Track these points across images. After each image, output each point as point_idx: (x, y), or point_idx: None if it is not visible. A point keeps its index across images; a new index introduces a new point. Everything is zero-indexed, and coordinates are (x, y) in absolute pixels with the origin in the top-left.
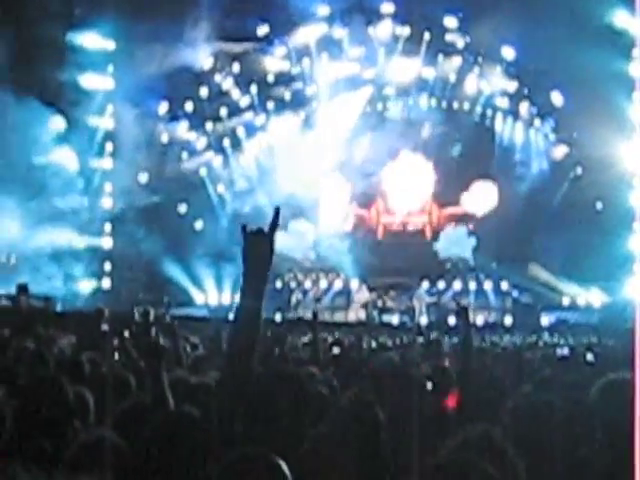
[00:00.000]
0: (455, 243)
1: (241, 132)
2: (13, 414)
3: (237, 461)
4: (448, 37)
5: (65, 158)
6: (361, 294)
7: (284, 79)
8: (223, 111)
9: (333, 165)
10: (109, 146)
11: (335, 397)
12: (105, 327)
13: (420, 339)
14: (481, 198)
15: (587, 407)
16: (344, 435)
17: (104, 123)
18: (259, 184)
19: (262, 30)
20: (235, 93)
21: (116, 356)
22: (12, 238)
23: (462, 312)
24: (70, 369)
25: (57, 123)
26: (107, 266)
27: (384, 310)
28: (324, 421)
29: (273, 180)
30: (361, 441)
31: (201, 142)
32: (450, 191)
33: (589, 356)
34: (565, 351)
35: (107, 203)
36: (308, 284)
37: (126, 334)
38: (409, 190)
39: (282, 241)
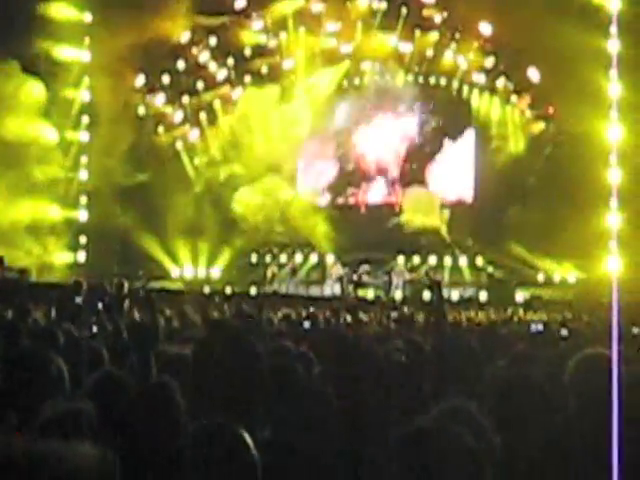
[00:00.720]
0: (423, 211)
1: (217, 105)
2: None
3: (200, 432)
4: (425, 12)
5: (43, 129)
6: (336, 269)
7: (261, 52)
8: (200, 84)
9: (309, 135)
10: (85, 118)
11: (309, 372)
12: (79, 300)
13: (394, 314)
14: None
15: (562, 381)
16: (314, 410)
17: (80, 95)
18: (235, 154)
19: (239, 3)
20: (212, 66)
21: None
22: None
23: (435, 286)
24: (44, 340)
25: (35, 93)
26: (83, 239)
27: (359, 284)
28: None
29: (249, 150)
30: (327, 416)
31: (178, 115)
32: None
33: (563, 331)
34: (539, 327)
35: (83, 176)
36: (283, 258)
37: (99, 306)
38: (383, 155)
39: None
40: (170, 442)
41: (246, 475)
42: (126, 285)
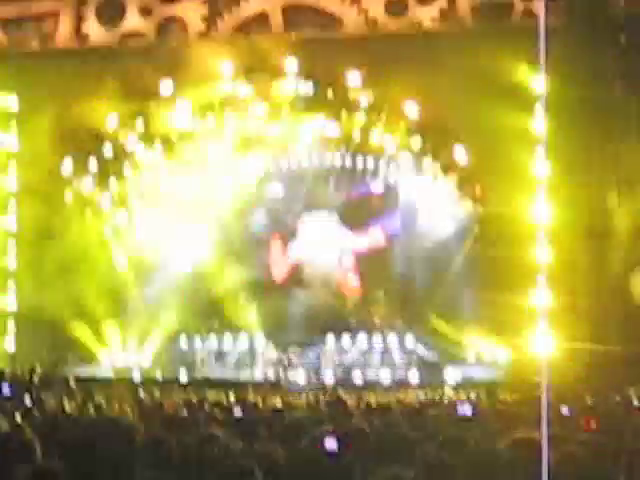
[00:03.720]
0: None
1: (146, 189)
2: None
3: None
4: (352, 94)
5: None
6: (267, 351)
7: (188, 138)
8: (127, 169)
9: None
10: (11, 204)
11: (234, 459)
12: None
13: (325, 397)
14: None
15: (492, 465)
16: None
17: (7, 181)
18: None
19: (166, 88)
20: (143, 154)
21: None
22: None
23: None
24: None
25: None
26: (10, 325)
27: (289, 366)
28: None
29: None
30: None
31: (106, 202)
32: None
33: (492, 414)
34: (467, 410)
35: (11, 264)
36: (213, 341)
37: (26, 400)
38: (319, 246)
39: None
40: None
41: None
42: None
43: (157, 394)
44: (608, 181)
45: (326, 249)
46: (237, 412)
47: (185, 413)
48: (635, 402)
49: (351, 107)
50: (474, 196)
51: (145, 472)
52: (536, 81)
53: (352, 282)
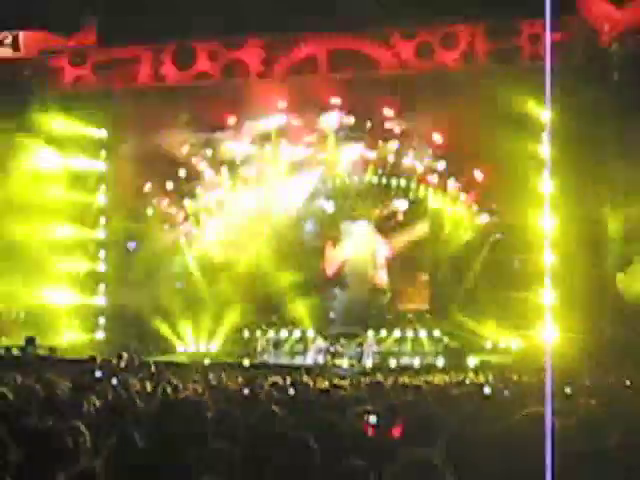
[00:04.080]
0: None
1: (213, 205)
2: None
3: None
4: (387, 125)
5: (68, 229)
6: (317, 341)
7: (250, 161)
8: (198, 189)
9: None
10: (102, 219)
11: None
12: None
13: (366, 380)
14: None
15: (505, 439)
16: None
17: (98, 199)
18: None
19: (231, 121)
20: (211, 175)
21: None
22: (21, 297)
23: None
24: (70, 408)
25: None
26: (101, 320)
27: (336, 355)
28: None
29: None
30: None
31: (181, 215)
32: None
33: (506, 392)
34: (487, 390)
35: (103, 268)
36: (271, 333)
37: (114, 381)
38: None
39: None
40: None
41: None
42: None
43: (224, 377)
44: (602, 197)
45: (363, 252)
46: (291, 392)
47: (247, 393)
48: (627, 382)
49: (386, 136)
50: (490, 210)
51: (215, 442)
52: (542, 113)
53: (385, 280)
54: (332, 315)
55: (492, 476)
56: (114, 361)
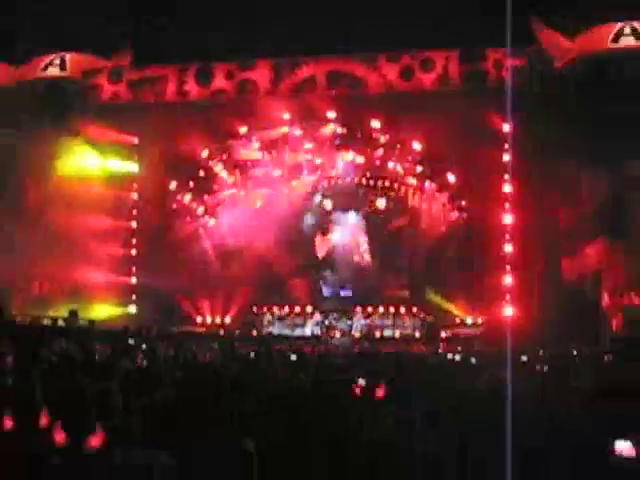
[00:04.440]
0: None
1: (228, 200)
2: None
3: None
4: (374, 135)
5: (106, 220)
6: (314, 316)
7: (259, 164)
8: (215, 187)
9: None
10: (134, 212)
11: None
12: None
13: (355, 348)
14: None
15: (470, 399)
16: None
17: (131, 195)
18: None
19: (243, 130)
20: (226, 176)
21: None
22: (67, 276)
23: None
24: (105, 369)
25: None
26: (133, 297)
27: (329, 327)
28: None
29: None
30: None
31: (200, 209)
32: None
33: (472, 359)
34: (457, 357)
35: (134, 252)
36: (275, 309)
37: (143, 346)
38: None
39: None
40: None
41: None
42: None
43: (236, 345)
44: (554, 197)
45: (350, 240)
46: (292, 357)
47: (254, 357)
48: (574, 352)
49: (373, 144)
50: (460, 207)
51: (231, 394)
52: (505, 126)
53: (369, 264)
54: (325, 293)
55: (461, 434)
56: (144, 331)
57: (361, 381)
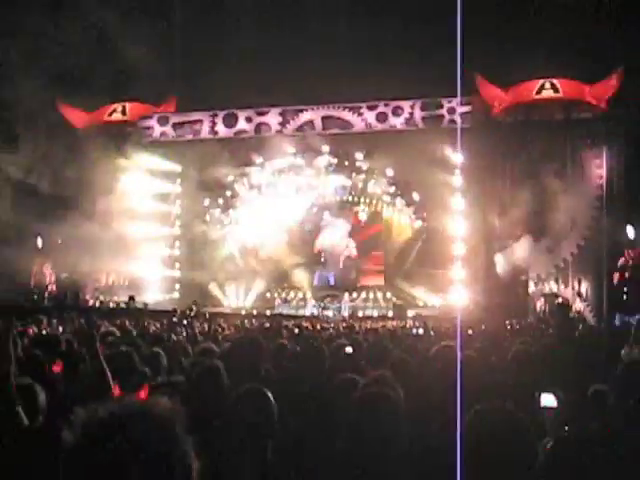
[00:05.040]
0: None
1: (247, 212)
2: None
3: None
4: (357, 164)
5: (155, 227)
6: (312, 300)
7: (270, 186)
8: (238, 203)
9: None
10: (177, 221)
11: (296, 356)
12: (175, 319)
13: (343, 324)
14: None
15: (428, 357)
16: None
17: (175, 208)
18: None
19: (259, 160)
20: (246, 194)
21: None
22: (125, 271)
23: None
24: (158, 340)
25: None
26: (176, 286)
27: (324, 308)
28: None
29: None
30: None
31: (227, 220)
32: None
33: (431, 332)
34: (420, 331)
35: (177, 252)
36: (283, 294)
37: (184, 322)
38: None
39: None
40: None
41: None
42: (192, 309)
43: (253, 321)
44: (492, 210)
45: (338, 243)
46: (296, 331)
47: (269, 331)
48: (509, 327)
49: (357, 170)
50: (422, 218)
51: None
52: (455, 157)
53: (352, 259)
54: (316, 283)
55: (422, 384)
56: (186, 312)
57: (348, 348)
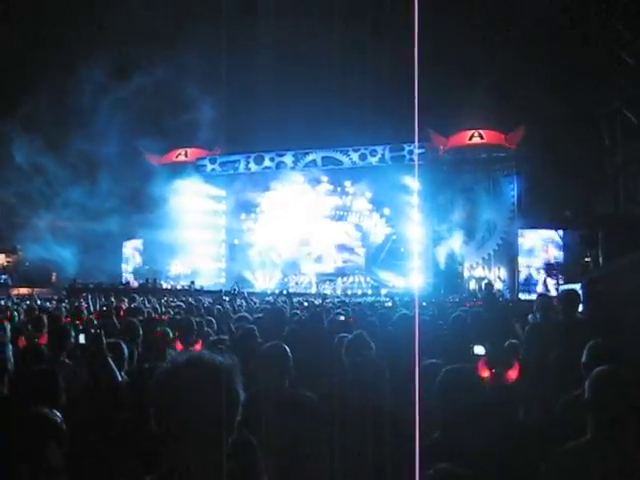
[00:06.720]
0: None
1: (271, 224)
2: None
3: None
4: (346, 189)
5: (210, 234)
6: (316, 282)
7: (286, 204)
8: (264, 217)
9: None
10: (223, 229)
11: (305, 322)
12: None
13: (337, 299)
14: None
15: (393, 324)
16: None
17: (221, 221)
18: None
19: (279, 187)
20: (270, 210)
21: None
22: (186, 264)
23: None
24: (209, 312)
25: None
26: (223, 273)
27: (324, 287)
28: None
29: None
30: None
31: (256, 228)
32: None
33: (399, 304)
34: (389, 303)
35: (222, 251)
36: (294, 279)
37: (226, 298)
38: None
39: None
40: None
41: None
42: (236, 289)
43: (271, 298)
44: (437, 220)
45: (333, 240)
46: (305, 304)
47: (285, 305)
48: (450, 300)
49: (345, 194)
50: (392, 226)
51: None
52: (414, 183)
53: (341, 258)
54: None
55: (389, 339)
56: (230, 291)
57: (341, 317)
